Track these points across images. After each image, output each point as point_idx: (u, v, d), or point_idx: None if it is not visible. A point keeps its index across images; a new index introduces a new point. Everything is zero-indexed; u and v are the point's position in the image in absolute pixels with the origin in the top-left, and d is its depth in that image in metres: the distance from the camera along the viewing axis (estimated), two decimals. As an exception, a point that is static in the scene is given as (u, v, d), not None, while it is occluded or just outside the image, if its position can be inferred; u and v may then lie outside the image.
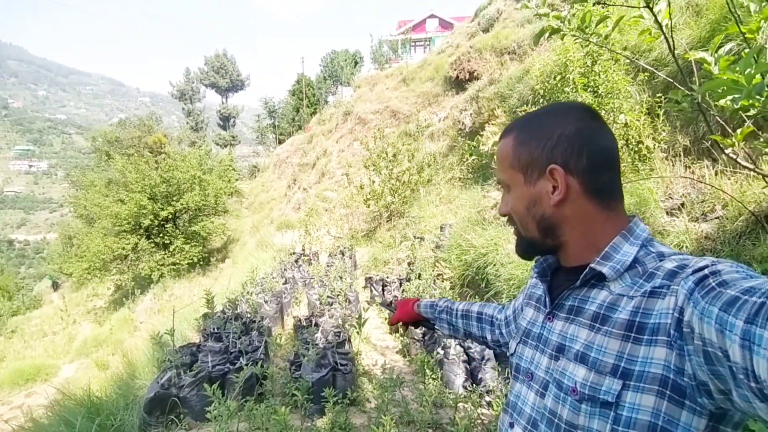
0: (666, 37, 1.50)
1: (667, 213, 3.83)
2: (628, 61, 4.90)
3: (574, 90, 4.49)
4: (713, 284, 0.56)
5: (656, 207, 3.81)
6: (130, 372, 3.98)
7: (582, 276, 0.75)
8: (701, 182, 3.58)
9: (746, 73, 1.22)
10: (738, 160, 1.59)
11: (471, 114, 11.12)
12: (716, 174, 3.80)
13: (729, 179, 3.67)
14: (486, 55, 14.24)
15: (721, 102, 1.51)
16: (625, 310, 0.68)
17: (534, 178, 0.80)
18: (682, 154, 4.29)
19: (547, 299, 0.85)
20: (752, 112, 1.40)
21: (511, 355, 0.93)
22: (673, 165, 4.31)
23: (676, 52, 1.70)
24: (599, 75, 4.39)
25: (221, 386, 3.02)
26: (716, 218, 3.44)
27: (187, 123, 39.92)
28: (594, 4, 1.63)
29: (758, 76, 1.34)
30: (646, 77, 4.78)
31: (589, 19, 1.78)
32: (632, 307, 0.67)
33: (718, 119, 1.58)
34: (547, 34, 1.89)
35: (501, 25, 14.43)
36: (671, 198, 3.99)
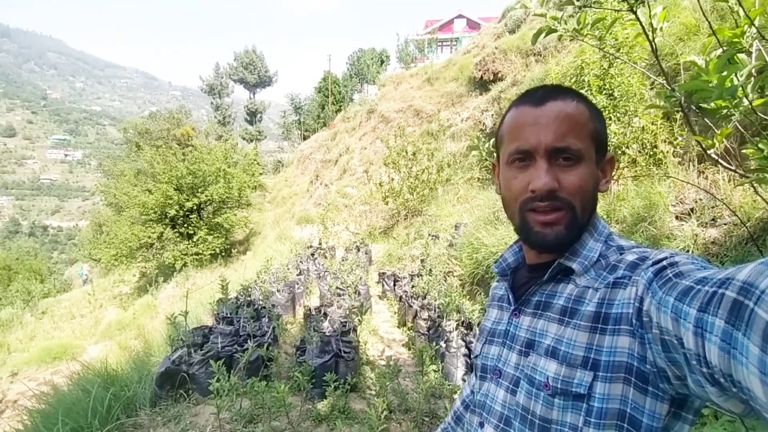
0: (649, 40, 1.55)
1: (676, 217, 3.81)
2: (646, 64, 4.87)
3: (589, 92, 4.48)
4: (670, 275, 0.58)
5: (665, 211, 3.79)
6: (146, 350, 4.20)
7: (550, 271, 0.76)
8: (706, 191, 3.56)
9: (718, 74, 1.27)
10: (719, 160, 1.62)
11: (492, 115, 11.12)
12: (728, 180, 3.76)
13: (742, 185, 3.63)
14: (511, 57, 14.16)
15: (704, 104, 1.55)
16: (592, 302, 0.69)
17: (600, 159, 0.76)
18: (696, 159, 4.25)
19: (511, 296, 0.85)
20: (733, 112, 1.44)
21: (476, 357, 0.91)
22: (686, 170, 4.27)
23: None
24: (614, 78, 4.38)
25: (228, 365, 3.17)
26: (725, 224, 3.41)
27: (215, 117, 40.76)
28: (580, 8, 1.68)
29: (733, 79, 1.38)
30: (664, 81, 4.74)
31: (583, 20, 1.84)
32: (598, 298, 0.69)
33: (706, 120, 1.62)
34: (543, 35, 1.95)
35: (528, 26, 14.33)
36: (683, 203, 3.97)
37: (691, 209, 3.76)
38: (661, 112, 4.53)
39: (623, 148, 4.52)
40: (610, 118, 4.45)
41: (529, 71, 12.02)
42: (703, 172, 4.17)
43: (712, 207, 3.64)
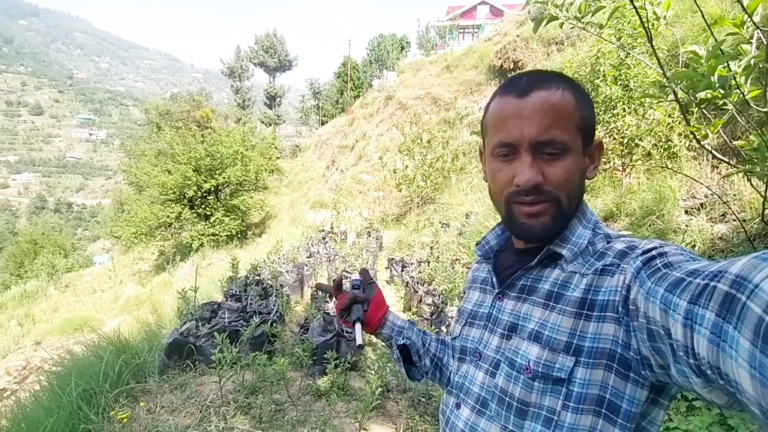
0: (645, 29, 1.55)
1: (686, 212, 3.78)
2: (666, 54, 4.77)
3: (604, 83, 4.42)
4: (659, 265, 0.57)
5: (674, 205, 3.76)
6: (158, 322, 4.37)
7: (539, 256, 0.75)
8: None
9: (708, 64, 1.27)
10: (712, 151, 1.62)
11: (510, 104, 11.01)
12: (743, 175, 3.70)
13: (758, 180, 3.58)
14: (533, 45, 13.94)
15: (701, 94, 1.56)
16: (579, 288, 0.69)
17: (586, 147, 0.75)
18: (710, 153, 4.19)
19: (495, 280, 0.84)
20: (726, 103, 1.44)
21: (455, 338, 0.91)
22: (700, 164, 4.21)
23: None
24: (630, 68, 4.30)
25: (233, 339, 3.28)
26: (734, 220, 3.38)
27: (235, 100, 40.96)
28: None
29: (728, 69, 1.38)
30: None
31: (584, 8, 1.84)
32: (585, 285, 0.68)
33: (704, 112, 1.62)
34: (545, 22, 1.96)
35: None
36: (694, 197, 3.92)
37: (701, 204, 3.72)
38: (677, 105, 4.45)
39: (636, 141, 4.46)
40: (625, 110, 4.39)
41: (550, 60, 11.84)
42: (717, 167, 4.11)
43: (724, 203, 3.59)
